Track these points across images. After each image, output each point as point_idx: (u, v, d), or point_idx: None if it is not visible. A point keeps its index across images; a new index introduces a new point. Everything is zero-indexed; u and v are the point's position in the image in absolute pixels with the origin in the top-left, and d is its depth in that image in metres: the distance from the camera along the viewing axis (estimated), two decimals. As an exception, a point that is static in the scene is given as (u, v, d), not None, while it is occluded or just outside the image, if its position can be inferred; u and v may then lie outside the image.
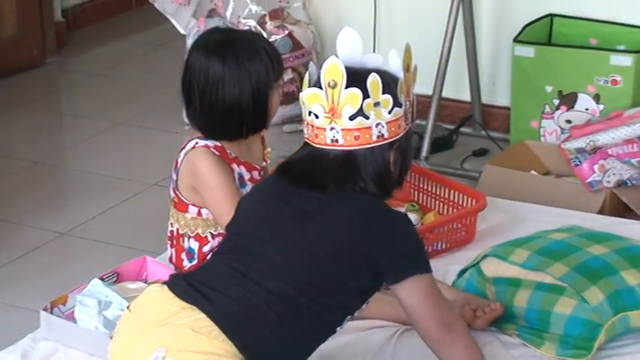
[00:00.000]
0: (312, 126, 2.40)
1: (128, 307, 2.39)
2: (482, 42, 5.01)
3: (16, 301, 3.67)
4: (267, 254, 2.40)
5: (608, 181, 3.91)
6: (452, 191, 3.56)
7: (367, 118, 2.35)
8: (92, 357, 2.80)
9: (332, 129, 2.37)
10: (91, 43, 6.22)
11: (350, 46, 2.46)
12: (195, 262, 3.10)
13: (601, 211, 3.85)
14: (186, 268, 3.09)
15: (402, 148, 2.46)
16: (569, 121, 4.33)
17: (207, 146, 2.94)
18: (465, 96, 5.03)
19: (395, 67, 2.44)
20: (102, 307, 2.83)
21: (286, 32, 5.21)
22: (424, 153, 4.69)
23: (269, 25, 5.20)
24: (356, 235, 2.39)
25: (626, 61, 4.37)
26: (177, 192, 3.04)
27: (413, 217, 3.41)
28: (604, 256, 3.02)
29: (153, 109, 5.41)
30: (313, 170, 2.44)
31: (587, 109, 4.39)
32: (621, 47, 4.46)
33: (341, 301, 2.42)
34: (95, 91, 5.68)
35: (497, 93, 5.06)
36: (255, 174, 3.00)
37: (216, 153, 2.95)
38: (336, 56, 2.38)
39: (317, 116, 2.38)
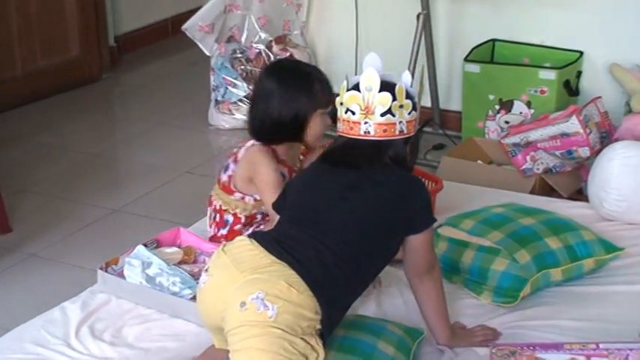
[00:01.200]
0: (348, 121, 2.47)
1: (222, 249, 2.39)
2: (440, 61, 4.97)
3: (79, 263, 3.66)
4: (326, 221, 2.44)
5: (537, 169, 3.91)
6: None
7: (394, 115, 2.44)
8: (137, 305, 2.81)
9: (365, 123, 2.45)
10: (137, 63, 6.21)
11: (374, 65, 2.47)
12: (225, 232, 3.09)
13: (532, 192, 3.86)
14: (217, 236, 3.10)
15: (413, 143, 2.60)
16: (507, 122, 4.33)
17: (263, 145, 2.95)
18: (427, 103, 4.98)
19: (407, 81, 2.51)
20: (144, 267, 2.85)
21: (288, 54, 5.15)
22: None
23: (275, 48, 5.15)
24: (392, 199, 2.46)
25: (551, 75, 4.36)
26: (231, 178, 3.06)
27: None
28: (532, 226, 3.04)
29: (185, 113, 5.39)
30: (350, 154, 2.51)
31: (521, 113, 4.38)
32: (547, 65, 4.44)
33: (385, 251, 2.51)
34: (141, 99, 5.67)
35: (452, 100, 5.03)
36: (293, 174, 2.99)
37: (269, 152, 2.97)
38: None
39: (353, 113, 2.45)
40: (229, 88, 5.14)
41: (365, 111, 2.44)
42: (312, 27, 5.34)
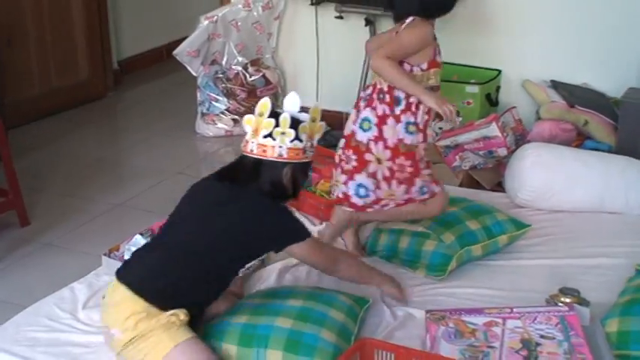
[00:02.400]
0: (245, 139, 2.43)
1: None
2: (385, 78, 4.97)
3: (87, 250, 3.62)
4: (182, 231, 2.41)
5: (465, 166, 3.91)
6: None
7: (274, 139, 2.36)
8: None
9: (252, 142, 2.40)
10: (137, 82, 6.15)
11: (292, 104, 2.44)
12: (402, 108, 2.89)
13: (461, 185, 3.85)
14: (395, 115, 2.91)
15: (296, 171, 2.45)
16: (440, 128, 4.28)
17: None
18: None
19: (294, 103, 2.45)
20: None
21: (261, 74, 5.14)
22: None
23: (250, 69, 5.13)
24: (246, 222, 2.38)
25: (475, 89, 4.37)
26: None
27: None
28: (455, 212, 3.07)
29: (176, 123, 5.34)
30: (235, 169, 2.48)
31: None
32: (472, 81, 4.44)
33: (235, 263, 2.41)
34: (140, 112, 5.61)
35: (396, 111, 4.99)
36: None
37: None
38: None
39: (246, 133, 2.41)
40: (213, 102, 5.12)
41: (254, 132, 2.39)
42: (281, 51, 5.32)
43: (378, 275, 2.73)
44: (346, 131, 3.03)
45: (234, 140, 5.05)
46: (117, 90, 5.97)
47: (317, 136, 2.47)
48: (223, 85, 5.10)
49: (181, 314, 2.27)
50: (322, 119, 5.39)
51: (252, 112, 5.08)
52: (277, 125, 2.36)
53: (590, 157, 3.50)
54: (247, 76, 5.11)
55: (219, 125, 5.12)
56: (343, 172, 3.01)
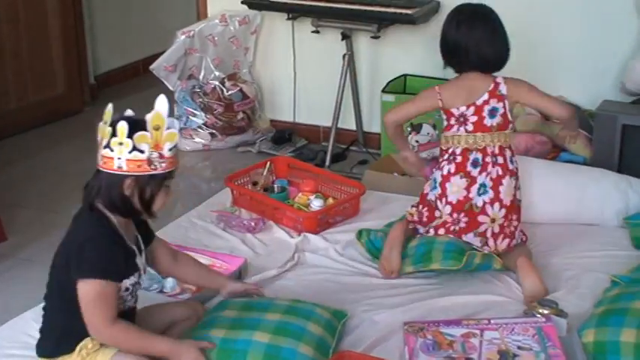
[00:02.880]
0: None
1: None
2: (362, 92, 5.00)
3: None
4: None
5: (441, 179, 3.92)
6: (343, 185, 3.56)
7: (112, 150, 2.13)
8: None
9: (99, 153, 2.19)
10: (114, 97, 5.88)
11: (161, 107, 2.19)
12: None
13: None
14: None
15: (140, 184, 2.18)
16: (417, 141, 4.32)
17: None
18: (353, 126, 5.02)
19: (162, 107, 2.19)
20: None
21: (238, 88, 5.14)
22: (327, 162, 4.67)
23: (227, 83, 5.12)
24: (66, 241, 2.25)
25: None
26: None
27: (319, 201, 3.42)
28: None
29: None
30: (90, 184, 2.25)
31: (428, 134, 4.36)
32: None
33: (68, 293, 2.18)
34: (117, 127, 5.60)
35: (373, 124, 5.03)
36: None
37: None
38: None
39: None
40: (190, 117, 5.12)
41: (99, 142, 2.18)
42: (258, 66, 5.32)
43: (162, 341, 2.28)
44: None
45: (211, 154, 5.06)
46: (94, 105, 5.92)
47: (168, 145, 2.18)
48: (200, 99, 5.10)
49: (88, 343, 2.19)
50: (299, 134, 5.43)
51: (230, 126, 5.11)
52: (114, 135, 2.14)
53: (565, 170, 3.51)
54: (224, 90, 5.11)
55: (197, 140, 5.12)
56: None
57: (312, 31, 4.87)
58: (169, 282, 2.86)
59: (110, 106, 2.20)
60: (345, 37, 4.75)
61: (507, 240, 2.97)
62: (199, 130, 5.12)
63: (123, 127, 2.13)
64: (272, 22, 5.15)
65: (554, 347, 2.33)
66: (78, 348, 2.19)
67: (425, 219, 3.05)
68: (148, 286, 2.78)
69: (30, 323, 2.61)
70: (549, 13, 4.48)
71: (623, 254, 3.02)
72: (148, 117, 2.16)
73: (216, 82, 5.13)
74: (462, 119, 2.97)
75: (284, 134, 5.14)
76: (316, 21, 4.80)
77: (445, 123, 3.03)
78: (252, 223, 3.31)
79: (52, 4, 5.60)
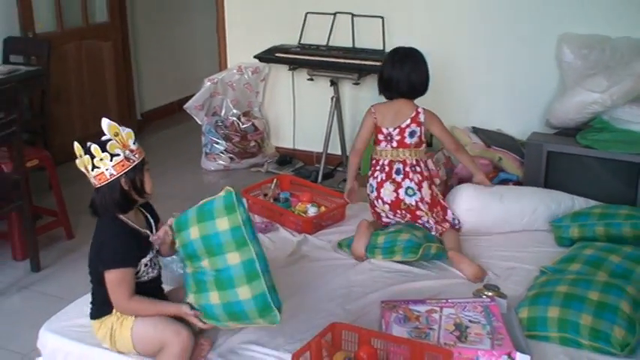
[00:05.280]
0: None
1: None
2: (346, 125, 4.96)
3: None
4: None
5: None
6: (332, 196, 3.54)
7: (99, 168, 2.14)
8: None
9: (91, 178, 2.18)
10: (155, 130, 6.13)
11: (106, 129, 2.15)
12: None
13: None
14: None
15: (131, 175, 2.18)
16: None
17: None
18: (339, 151, 5.00)
19: (106, 128, 2.15)
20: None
21: (251, 122, 5.12)
22: (319, 179, 4.65)
23: (243, 119, 5.11)
24: (93, 239, 2.25)
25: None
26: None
27: (314, 209, 3.39)
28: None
29: (186, 161, 5.31)
30: (92, 201, 2.24)
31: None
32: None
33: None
34: (158, 153, 5.50)
35: (355, 150, 5.00)
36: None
37: None
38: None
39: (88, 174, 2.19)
40: (214, 144, 5.10)
41: (86, 170, 2.18)
42: (266, 105, 5.31)
43: (168, 305, 2.27)
44: None
45: (230, 173, 5.05)
46: (140, 136, 5.89)
47: (131, 141, 2.17)
48: (222, 131, 5.09)
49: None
50: (297, 158, 5.39)
51: (245, 152, 5.06)
52: (93, 157, 2.13)
53: (505, 191, 3.35)
54: (240, 124, 5.10)
55: (219, 162, 5.11)
56: None
57: (308, 79, 4.87)
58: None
59: (76, 143, 2.16)
60: (333, 83, 4.75)
61: (441, 226, 3.05)
62: (221, 154, 5.10)
63: (95, 147, 2.13)
64: (277, 72, 5.15)
65: (497, 321, 2.33)
66: (114, 310, 2.25)
67: (375, 215, 3.16)
68: (176, 268, 2.72)
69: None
70: (491, 67, 4.49)
71: (550, 250, 3.01)
72: (105, 131, 2.14)
73: (234, 118, 5.12)
74: (389, 137, 3.08)
75: (286, 158, 5.14)
76: (311, 71, 4.79)
77: (375, 139, 3.16)
78: (264, 225, 3.30)
79: (108, 56, 5.61)
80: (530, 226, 3.24)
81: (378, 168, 3.10)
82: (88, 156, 2.14)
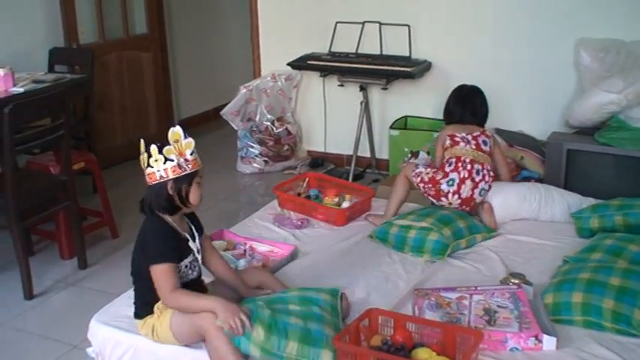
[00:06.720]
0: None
1: None
2: (375, 129, 5.00)
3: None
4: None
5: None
6: (362, 191, 3.59)
7: (152, 167, 2.18)
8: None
9: (145, 175, 2.22)
10: (193, 136, 6.03)
11: (177, 127, 2.21)
12: None
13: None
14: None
15: (179, 183, 2.20)
16: (417, 165, 4.32)
17: None
18: (368, 154, 5.03)
19: (170, 135, 2.19)
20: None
21: (284, 127, 5.17)
22: (350, 179, 4.68)
23: (276, 124, 5.15)
24: (139, 236, 2.25)
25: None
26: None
27: (347, 202, 3.46)
28: (450, 214, 3.09)
29: (222, 164, 5.33)
30: (143, 199, 2.26)
31: (424, 159, 4.39)
32: (438, 130, 4.45)
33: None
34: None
35: (383, 152, 5.02)
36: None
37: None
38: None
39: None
40: (249, 149, 5.15)
41: (143, 167, 2.21)
42: (299, 111, 5.35)
43: (213, 300, 2.20)
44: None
45: (264, 176, 5.09)
46: (179, 141, 5.98)
47: (188, 151, 2.19)
48: (257, 136, 5.14)
49: (160, 303, 2.25)
50: (328, 160, 5.43)
51: (279, 155, 5.11)
52: (150, 156, 2.17)
53: (527, 190, 3.37)
54: (274, 129, 5.15)
55: (254, 165, 5.16)
56: None
57: (338, 85, 4.92)
58: (241, 263, 2.86)
59: (142, 140, 2.21)
60: (362, 89, 4.80)
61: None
62: (256, 158, 5.15)
63: (154, 148, 2.17)
64: (309, 79, 5.20)
65: (524, 306, 2.36)
66: (155, 307, 2.26)
67: (432, 192, 3.24)
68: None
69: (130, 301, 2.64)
70: (511, 72, 4.52)
71: (571, 240, 3.05)
72: (169, 135, 2.18)
73: (268, 123, 5.16)
74: (465, 140, 3.26)
75: (318, 160, 5.18)
76: (341, 77, 4.85)
77: (451, 142, 3.29)
78: (299, 222, 3.36)
79: (147, 66, 5.68)
80: (551, 218, 3.29)
81: (460, 164, 3.21)
82: (146, 154, 2.18)
